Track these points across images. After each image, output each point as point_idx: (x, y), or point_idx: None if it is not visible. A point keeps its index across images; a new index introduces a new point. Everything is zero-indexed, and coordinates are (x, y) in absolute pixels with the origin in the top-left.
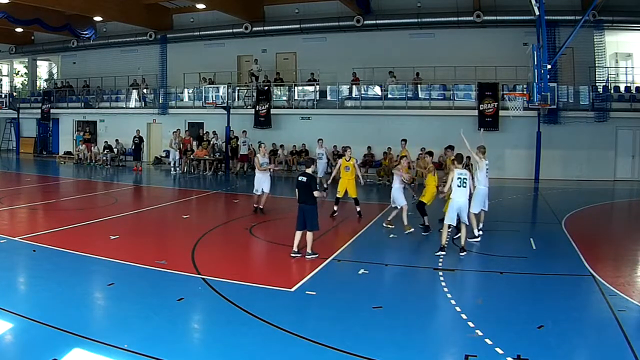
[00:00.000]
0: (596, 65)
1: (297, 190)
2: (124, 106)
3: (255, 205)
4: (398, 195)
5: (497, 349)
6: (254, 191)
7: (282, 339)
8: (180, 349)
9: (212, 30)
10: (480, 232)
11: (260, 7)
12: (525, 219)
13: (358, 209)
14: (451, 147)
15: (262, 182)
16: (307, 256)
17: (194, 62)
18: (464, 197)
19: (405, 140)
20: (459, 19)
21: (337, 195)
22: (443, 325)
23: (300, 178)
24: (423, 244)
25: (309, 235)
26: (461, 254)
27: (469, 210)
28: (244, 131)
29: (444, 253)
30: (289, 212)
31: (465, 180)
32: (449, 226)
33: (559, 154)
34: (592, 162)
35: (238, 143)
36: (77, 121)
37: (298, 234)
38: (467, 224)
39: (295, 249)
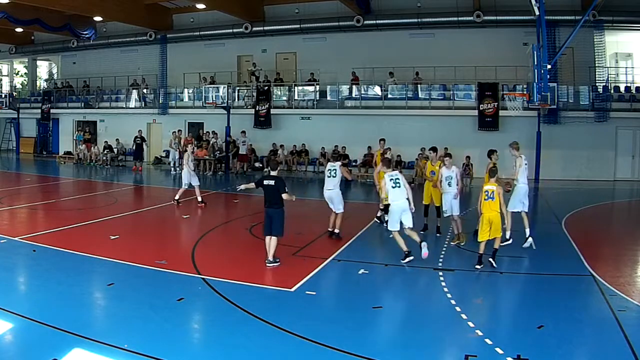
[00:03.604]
0: (596, 65)
1: (264, 194)
2: (124, 106)
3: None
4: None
5: (497, 349)
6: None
7: (282, 339)
8: (180, 349)
9: (212, 30)
10: (510, 240)
11: (260, 7)
12: None
13: (438, 223)
14: (493, 151)
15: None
16: (267, 263)
17: (194, 62)
18: (403, 198)
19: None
20: (459, 19)
21: (424, 203)
22: (443, 326)
23: (267, 182)
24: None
25: (274, 240)
26: (404, 260)
27: (506, 209)
28: (243, 131)
29: (412, 258)
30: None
31: (398, 181)
32: (405, 231)
33: (559, 154)
34: (592, 162)
35: (237, 144)
36: (77, 121)
37: (267, 239)
38: (412, 227)
39: (270, 257)
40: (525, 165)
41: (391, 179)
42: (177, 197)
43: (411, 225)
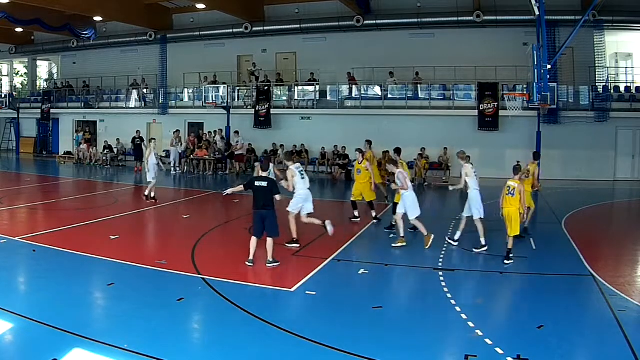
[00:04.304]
0: (596, 65)
1: (254, 195)
2: (124, 106)
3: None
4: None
5: (497, 349)
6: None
7: (282, 339)
8: (180, 349)
9: (212, 30)
10: (486, 247)
11: (260, 7)
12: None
13: (373, 213)
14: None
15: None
16: (267, 264)
17: (194, 62)
18: (306, 188)
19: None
20: (459, 19)
21: (352, 199)
22: (443, 326)
23: (258, 183)
24: (422, 244)
25: (270, 241)
26: (289, 244)
27: (473, 217)
28: (236, 131)
29: (297, 246)
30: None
31: (302, 172)
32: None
33: (559, 154)
34: (592, 162)
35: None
36: (77, 121)
37: (254, 241)
38: (312, 211)
39: (251, 257)
40: (474, 173)
41: (299, 171)
42: (150, 193)
43: (312, 212)
